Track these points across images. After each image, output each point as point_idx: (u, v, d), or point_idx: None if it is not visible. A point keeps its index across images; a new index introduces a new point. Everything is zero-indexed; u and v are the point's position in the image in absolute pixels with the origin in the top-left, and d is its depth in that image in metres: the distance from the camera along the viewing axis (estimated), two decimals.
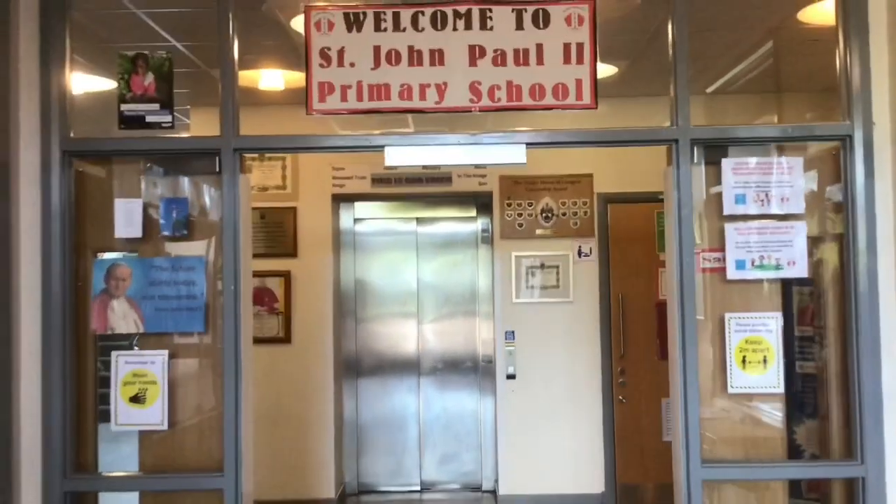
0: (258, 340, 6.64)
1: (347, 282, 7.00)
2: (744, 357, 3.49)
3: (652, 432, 6.35)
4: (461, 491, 6.97)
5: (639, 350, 6.38)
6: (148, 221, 3.53)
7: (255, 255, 6.62)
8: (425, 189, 6.56)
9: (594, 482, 6.37)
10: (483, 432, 6.94)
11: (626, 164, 6.42)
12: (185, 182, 3.59)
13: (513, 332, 6.46)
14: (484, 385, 6.95)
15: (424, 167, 6.46)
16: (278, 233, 6.49)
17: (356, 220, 7.06)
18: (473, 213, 7.07)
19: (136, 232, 3.52)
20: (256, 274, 6.54)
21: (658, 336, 6.34)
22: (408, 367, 7.03)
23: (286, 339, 6.45)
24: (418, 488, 6.98)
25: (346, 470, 6.90)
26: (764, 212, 3.51)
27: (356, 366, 7.00)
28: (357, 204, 7.03)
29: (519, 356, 6.44)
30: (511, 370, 6.44)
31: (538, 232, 6.46)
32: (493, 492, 6.75)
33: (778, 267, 3.50)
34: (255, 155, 6.42)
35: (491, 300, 6.76)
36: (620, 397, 6.36)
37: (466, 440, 7.02)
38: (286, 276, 6.46)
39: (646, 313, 6.38)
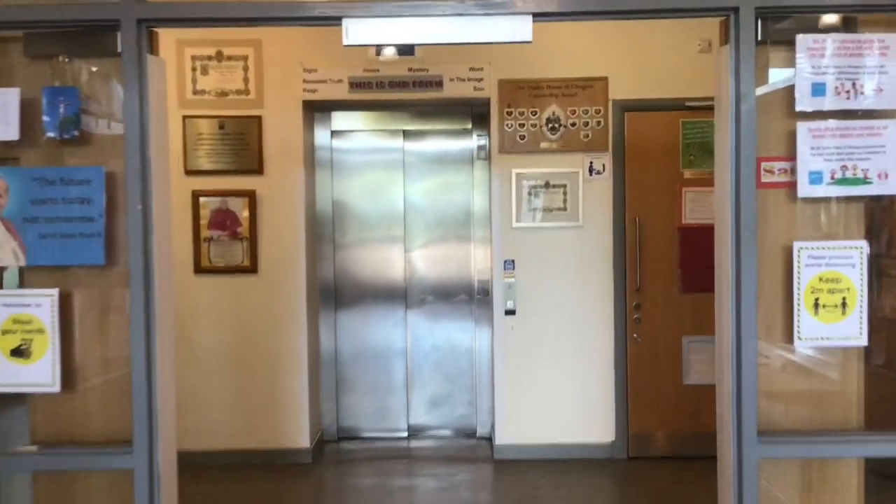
0: (219, 270, 5.83)
1: (324, 203, 6.13)
2: (816, 300, 2.65)
3: (670, 375, 5.57)
4: (453, 438, 6.24)
5: (657, 282, 5.55)
6: (28, 119, 2.66)
7: (216, 173, 5.75)
8: (412, 95, 5.63)
9: (603, 430, 5.62)
10: (478, 373, 6.16)
11: (648, 64, 5.50)
12: (77, 66, 2.70)
13: (512, 261, 5.62)
14: (480, 320, 6.15)
15: (410, 69, 5.53)
16: (241, 146, 5.59)
17: (334, 133, 6.15)
18: (468, 124, 6.16)
19: (13, 133, 2.64)
20: (217, 193, 5.68)
21: (680, 266, 5.51)
22: (394, 298, 6.22)
23: (252, 268, 5.61)
24: (405, 434, 6.24)
25: (324, 413, 6.14)
26: (850, 107, 2.64)
27: (335, 297, 6.19)
28: (335, 114, 6.11)
29: (519, 289, 5.61)
30: (510, 304, 5.62)
31: (543, 146, 5.56)
32: (489, 439, 6.02)
33: (866, 181, 2.65)
34: (213, 53, 5.49)
35: (488, 225, 5.91)
36: (635, 335, 5.56)
37: (459, 381, 6.26)
38: (251, 197, 5.59)
39: (666, 240, 5.53)
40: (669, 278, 5.53)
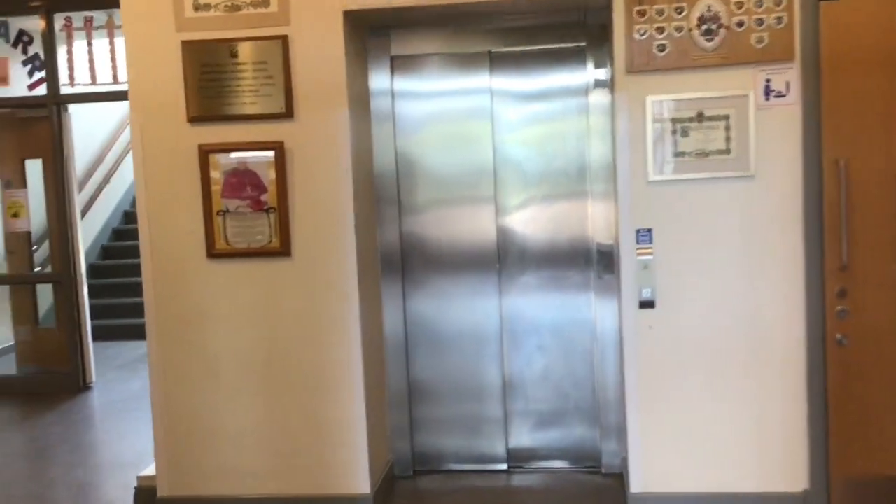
0: (240, 254, 4.28)
1: (384, 156, 4.51)
2: None
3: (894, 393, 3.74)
4: (570, 471, 4.59)
5: (873, 258, 3.69)
6: None
7: (230, 119, 3.98)
8: None
9: (791, 475, 3.85)
10: (601, 380, 4.48)
11: None
12: None
13: (648, 230, 3.88)
14: (601, 313, 4.45)
15: None
16: (261, 80, 4.01)
17: (394, 62, 4.50)
18: (581, 40, 4.40)
19: None
20: (232, 148, 4.11)
21: None
22: (483, 279, 4.57)
23: (282, 249, 4.05)
24: (504, 465, 4.63)
25: (392, 435, 4.59)
26: None
27: (402, 283, 4.58)
28: (394, 35, 4.46)
29: (660, 270, 3.87)
30: (646, 293, 3.89)
31: (694, 58, 3.76)
32: (621, 475, 4.36)
33: None
34: None
35: (611, 178, 4.18)
36: (838, 336, 3.73)
37: (575, 394, 4.59)
38: (278, 150, 4.01)
39: (888, 195, 3.67)
40: (892, 251, 3.67)
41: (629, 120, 3.84)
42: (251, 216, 4.05)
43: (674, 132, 3.79)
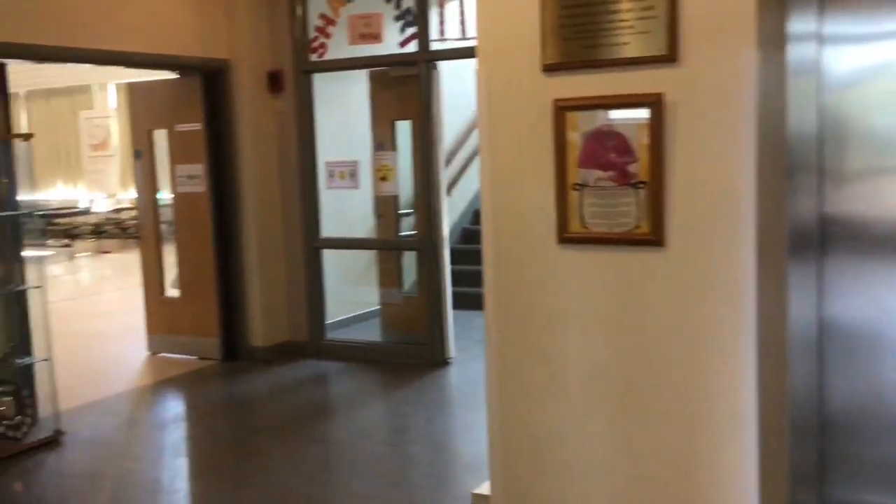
0: (598, 239, 3.35)
1: (802, 116, 3.29)
2: None
3: None
4: None
5: None
6: None
7: (593, 66, 3.10)
8: None
9: None
10: None
11: None
12: None
13: None
14: None
15: None
16: (638, 12, 3.04)
17: None
18: None
19: None
20: (593, 104, 3.23)
21: None
22: None
23: (653, 237, 3.08)
24: None
25: (794, 487, 3.42)
26: None
27: (818, 276, 3.34)
28: None
29: None
30: None
31: None
32: None
33: None
34: None
35: None
36: None
37: None
38: (654, 107, 3.03)
39: None
40: None
41: None
42: (614, 192, 3.14)
43: None
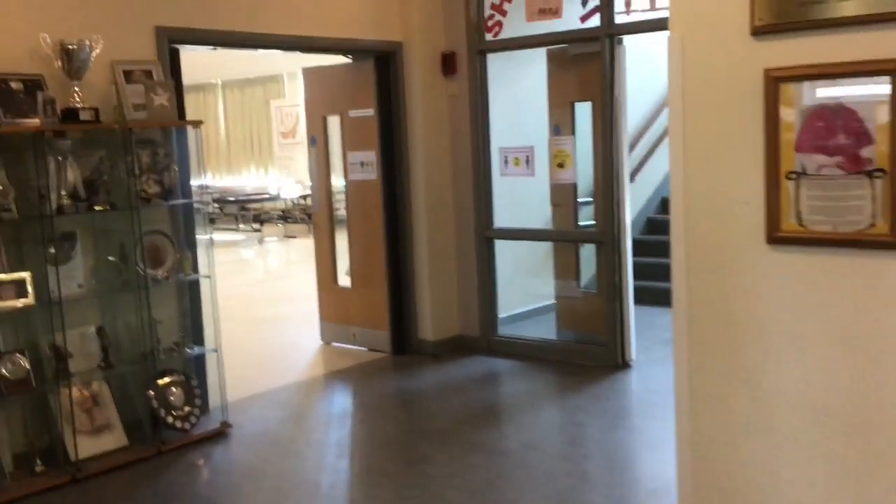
0: (821, 240, 2.70)
1: None
2: None
3: None
4: None
5: None
6: None
7: (810, 26, 2.41)
8: None
9: None
10: None
11: None
12: None
13: None
14: None
15: None
16: None
17: None
18: None
19: None
20: (814, 74, 2.61)
21: None
22: None
23: (894, 237, 2.46)
24: None
25: None
26: None
27: None
28: None
29: None
30: None
31: None
32: None
33: None
34: None
35: None
36: None
37: None
38: None
39: None
40: None
41: None
42: (842, 182, 2.53)
43: None
